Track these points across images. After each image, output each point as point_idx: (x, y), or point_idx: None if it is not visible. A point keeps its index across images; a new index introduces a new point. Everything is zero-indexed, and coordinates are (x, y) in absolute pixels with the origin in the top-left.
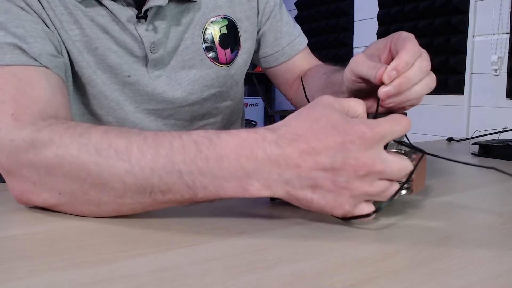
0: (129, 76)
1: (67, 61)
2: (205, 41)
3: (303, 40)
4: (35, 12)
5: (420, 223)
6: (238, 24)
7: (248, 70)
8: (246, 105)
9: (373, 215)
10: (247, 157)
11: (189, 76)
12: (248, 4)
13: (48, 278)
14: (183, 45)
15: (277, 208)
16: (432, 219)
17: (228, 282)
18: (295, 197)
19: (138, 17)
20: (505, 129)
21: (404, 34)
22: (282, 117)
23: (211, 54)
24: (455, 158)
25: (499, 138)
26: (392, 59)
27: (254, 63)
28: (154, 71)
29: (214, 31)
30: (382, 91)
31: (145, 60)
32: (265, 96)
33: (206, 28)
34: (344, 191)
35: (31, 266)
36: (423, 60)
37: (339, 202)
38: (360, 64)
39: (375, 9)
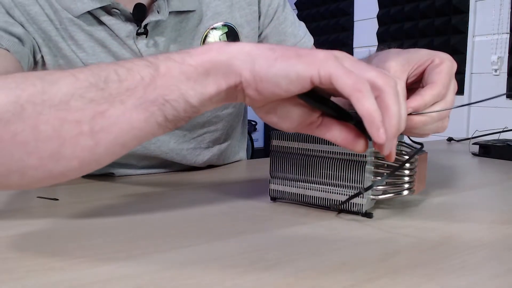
0: None
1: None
2: None
3: (309, 41)
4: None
5: (420, 223)
6: (239, 29)
7: None
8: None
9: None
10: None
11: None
12: (249, 8)
13: (48, 278)
14: None
15: (277, 208)
16: (432, 219)
17: (228, 282)
18: (261, 51)
19: (138, 33)
20: (505, 129)
21: (441, 67)
22: None
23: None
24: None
25: (499, 138)
26: (419, 81)
27: None
28: None
29: (214, 39)
30: None
31: None
32: None
33: (206, 36)
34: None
35: (31, 266)
36: (443, 106)
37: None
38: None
39: (375, 9)
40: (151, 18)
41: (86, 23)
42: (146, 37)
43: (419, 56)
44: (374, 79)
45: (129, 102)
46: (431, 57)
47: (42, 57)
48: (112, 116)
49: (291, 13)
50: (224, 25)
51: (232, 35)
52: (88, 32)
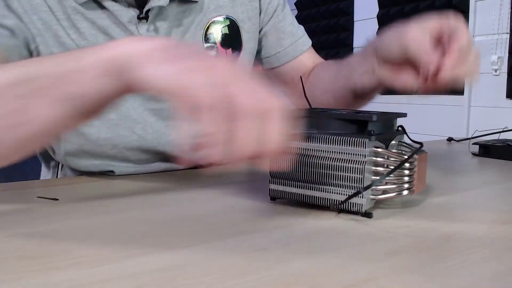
0: None
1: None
2: (206, 41)
3: (307, 41)
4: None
5: (420, 223)
6: (240, 24)
7: None
8: None
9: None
10: None
11: None
12: (250, 4)
13: (48, 278)
14: None
15: (277, 208)
16: (432, 219)
17: (228, 282)
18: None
19: (139, 18)
20: (505, 129)
21: (455, 25)
22: None
23: (212, 54)
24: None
25: (499, 138)
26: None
27: None
28: None
29: (216, 31)
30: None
31: None
32: None
33: (208, 28)
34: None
35: (31, 266)
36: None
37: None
38: (417, 45)
39: (375, 9)
40: (152, 4)
41: (90, 9)
42: (146, 21)
43: (431, 25)
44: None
45: (43, 97)
46: (440, 25)
47: (37, 47)
48: (28, 109)
49: (290, 14)
50: (226, 18)
51: (233, 28)
52: (91, 20)
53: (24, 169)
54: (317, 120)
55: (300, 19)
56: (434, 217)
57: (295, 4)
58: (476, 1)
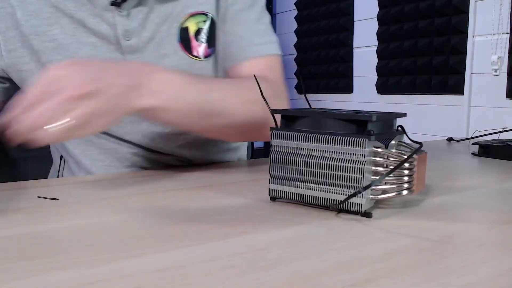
0: None
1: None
2: (181, 33)
3: (262, 50)
4: None
5: (420, 223)
6: (216, 21)
7: None
8: None
9: None
10: None
11: (163, 65)
12: (223, 1)
13: (48, 278)
14: (159, 36)
15: (277, 208)
16: (432, 219)
17: (228, 282)
18: None
19: (113, 4)
20: (505, 129)
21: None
22: (283, 116)
23: (185, 46)
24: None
25: (499, 138)
26: None
27: None
28: (130, 59)
29: (191, 25)
30: None
31: (120, 48)
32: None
33: (184, 21)
34: None
35: (31, 266)
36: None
37: None
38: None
39: (375, 9)
40: None
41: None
42: (119, 7)
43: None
44: None
45: None
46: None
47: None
48: None
49: (255, 20)
50: (204, 14)
51: (209, 25)
52: (69, 15)
53: (27, 169)
54: (317, 120)
55: (300, 19)
56: (434, 217)
57: (295, 4)
58: (476, 1)
